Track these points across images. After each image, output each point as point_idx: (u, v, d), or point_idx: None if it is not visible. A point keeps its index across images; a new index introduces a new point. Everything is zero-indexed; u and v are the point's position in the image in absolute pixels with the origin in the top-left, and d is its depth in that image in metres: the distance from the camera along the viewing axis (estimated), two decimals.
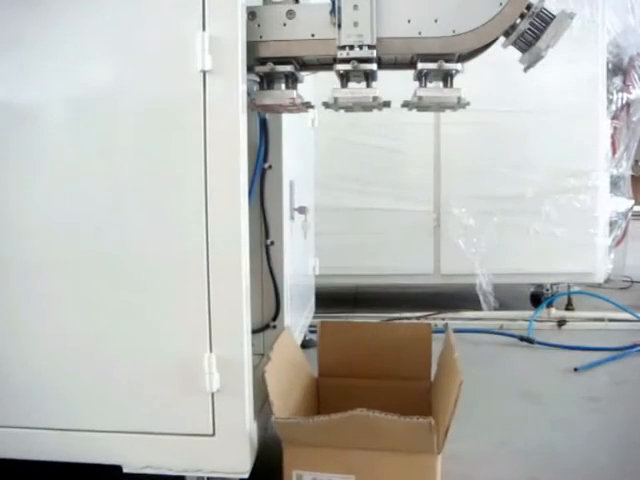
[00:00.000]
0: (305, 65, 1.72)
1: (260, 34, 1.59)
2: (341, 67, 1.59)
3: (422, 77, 1.62)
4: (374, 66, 1.58)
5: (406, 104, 1.72)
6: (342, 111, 1.71)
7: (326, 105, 1.67)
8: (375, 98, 1.62)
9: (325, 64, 1.68)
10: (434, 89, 1.63)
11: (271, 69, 1.60)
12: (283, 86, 1.65)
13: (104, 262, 1.57)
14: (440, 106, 1.68)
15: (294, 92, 1.65)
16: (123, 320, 1.57)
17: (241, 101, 1.49)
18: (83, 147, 1.55)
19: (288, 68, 1.62)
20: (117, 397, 1.59)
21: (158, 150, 1.53)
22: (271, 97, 1.65)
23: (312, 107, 1.76)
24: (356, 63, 1.56)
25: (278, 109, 1.74)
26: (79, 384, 1.60)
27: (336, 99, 1.63)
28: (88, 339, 1.59)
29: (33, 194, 1.58)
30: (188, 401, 1.56)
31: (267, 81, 1.65)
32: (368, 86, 1.63)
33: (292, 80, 1.66)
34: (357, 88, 1.63)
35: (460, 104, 1.63)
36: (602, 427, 2.22)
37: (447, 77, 1.62)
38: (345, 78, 1.63)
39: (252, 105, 1.64)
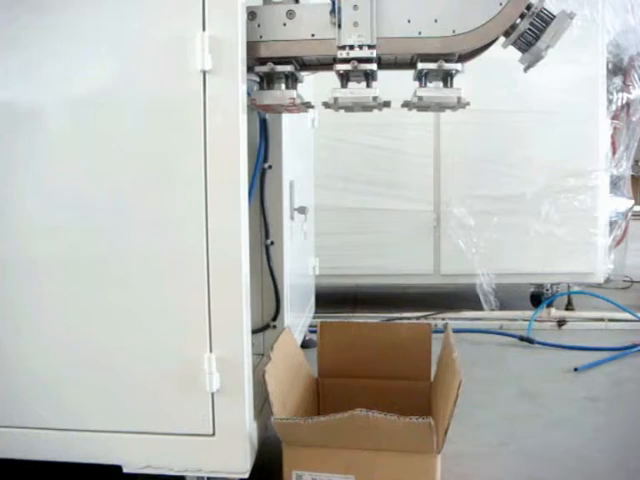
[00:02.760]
0: (305, 65, 1.72)
1: (260, 34, 1.59)
2: (341, 67, 1.59)
3: (422, 77, 1.62)
4: (374, 66, 1.59)
5: (406, 104, 1.72)
6: (342, 111, 1.71)
7: (326, 105, 1.67)
8: (375, 98, 1.62)
9: (325, 64, 1.68)
10: (434, 89, 1.63)
11: (271, 69, 1.60)
12: (283, 86, 1.65)
13: (104, 262, 1.57)
14: (440, 106, 1.68)
15: (294, 92, 1.65)
16: (123, 320, 1.57)
17: (241, 101, 1.49)
18: (83, 148, 1.55)
19: (288, 68, 1.62)
20: (117, 397, 1.59)
21: (158, 150, 1.53)
22: (271, 97, 1.65)
23: (312, 107, 1.76)
24: (356, 63, 1.56)
25: (278, 109, 1.74)
26: (79, 384, 1.60)
27: (336, 99, 1.63)
28: (88, 339, 1.59)
29: (33, 195, 1.58)
30: (188, 401, 1.56)
31: (267, 81, 1.65)
32: (368, 86, 1.63)
33: (292, 80, 1.66)
34: (357, 88, 1.63)
35: (460, 104, 1.63)
36: (602, 427, 2.22)
37: (447, 77, 1.62)
38: (345, 78, 1.63)
39: (252, 105, 1.64)
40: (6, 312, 1.61)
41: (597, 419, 2.28)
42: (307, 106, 1.74)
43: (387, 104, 1.66)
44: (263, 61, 1.61)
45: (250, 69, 1.58)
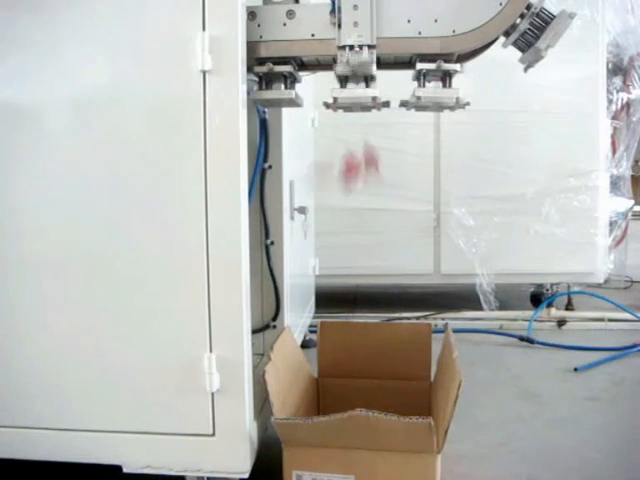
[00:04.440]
0: (304, 65, 1.71)
1: (260, 34, 1.59)
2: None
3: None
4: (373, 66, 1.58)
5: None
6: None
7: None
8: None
9: (325, 64, 1.68)
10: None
11: (270, 69, 1.60)
12: (363, 84, 1.64)
13: (104, 262, 1.57)
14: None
15: (375, 90, 1.63)
16: (123, 320, 1.57)
17: (241, 101, 1.48)
18: (83, 148, 1.55)
19: (287, 68, 1.61)
20: (117, 397, 1.59)
21: (158, 150, 1.52)
22: (352, 96, 1.64)
23: (387, 106, 1.69)
24: None
25: (354, 108, 1.71)
26: (79, 384, 1.60)
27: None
28: (88, 339, 1.59)
29: (33, 195, 1.58)
30: (188, 401, 1.56)
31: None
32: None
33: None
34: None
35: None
36: (602, 427, 2.22)
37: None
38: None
39: (332, 105, 1.65)
40: (7, 312, 1.61)
41: (597, 419, 2.28)
42: (384, 105, 1.68)
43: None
44: (262, 61, 1.60)
45: (249, 69, 1.58)
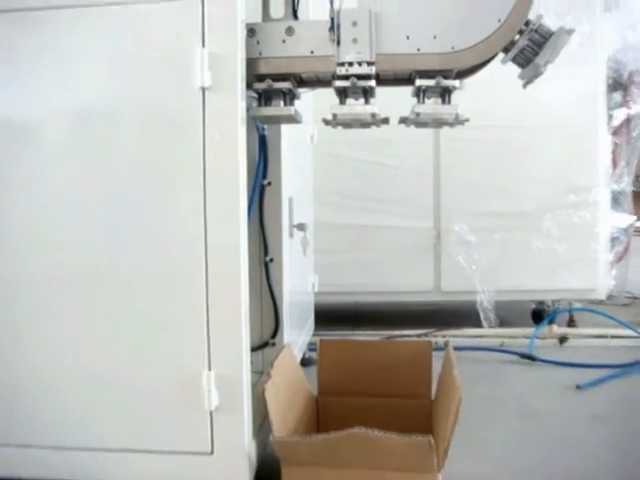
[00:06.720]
0: (303, 81, 1.72)
1: (259, 51, 1.60)
2: (340, 84, 1.59)
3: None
4: (372, 82, 1.59)
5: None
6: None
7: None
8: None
9: (324, 81, 1.68)
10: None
11: (269, 86, 1.61)
12: (362, 101, 1.64)
13: (103, 279, 1.56)
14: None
15: (375, 107, 1.63)
16: (121, 337, 1.57)
17: (240, 118, 1.49)
18: (83, 162, 1.56)
19: (286, 85, 1.62)
20: (116, 415, 1.58)
21: (157, 166, 1.53)
22: (351, 112, 1.65)
23: (387, 123, 1.69)
24: (355, 79, 1.56)
25: (354, 125, 1.72)
26: (77, 402, 1.60)
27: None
28: (86, 357, 1.58)
29: (33, 207, 1.58)
30: (187, 419, 1.55)
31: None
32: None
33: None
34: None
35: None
36: (604, 445, 2.20)
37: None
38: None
39: (332, 122, 1.65)
40: (6, 327, 1.61)
41: (599, 437, 2.26)
42: (383, 122, 1.68)
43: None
44: (261, 78, 1.61)
45: (249, 85, 1.58)
